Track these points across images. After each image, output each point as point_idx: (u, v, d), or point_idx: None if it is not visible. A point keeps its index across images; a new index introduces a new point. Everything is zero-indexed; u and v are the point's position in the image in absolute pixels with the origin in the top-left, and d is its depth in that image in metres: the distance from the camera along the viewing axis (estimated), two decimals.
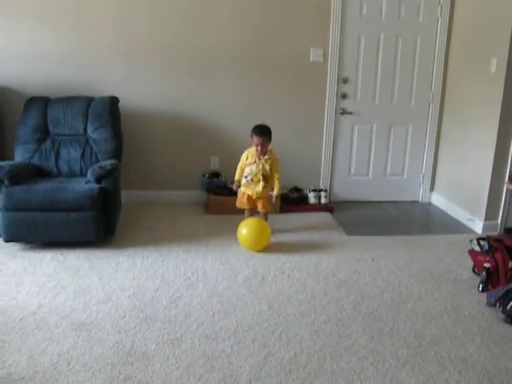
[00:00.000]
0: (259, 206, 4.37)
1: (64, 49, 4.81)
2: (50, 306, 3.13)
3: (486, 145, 4.55)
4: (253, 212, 4.42)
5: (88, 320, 2.99)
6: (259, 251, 4.03)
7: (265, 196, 4.35)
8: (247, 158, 4.29)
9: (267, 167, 4.25)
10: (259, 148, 4.20)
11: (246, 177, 4.30)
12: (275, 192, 4.34)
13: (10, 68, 4.76)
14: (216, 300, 3.28)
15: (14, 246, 4.01)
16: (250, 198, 4.35)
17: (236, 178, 4.38)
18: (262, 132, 4.22)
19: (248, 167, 4.29)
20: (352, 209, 5.29)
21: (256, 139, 4.20)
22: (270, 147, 4.28)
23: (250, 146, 4.31)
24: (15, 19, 4.70)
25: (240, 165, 4.35)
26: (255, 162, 4.26)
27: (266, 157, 4.24)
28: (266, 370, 2.58)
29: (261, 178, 4.26)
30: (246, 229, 4.06)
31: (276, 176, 4.29)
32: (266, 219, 4.39)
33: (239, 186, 4.38)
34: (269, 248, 4.09)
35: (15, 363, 2.57)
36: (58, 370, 2.53)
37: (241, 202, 4.41)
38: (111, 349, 2.71)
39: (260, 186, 4.27)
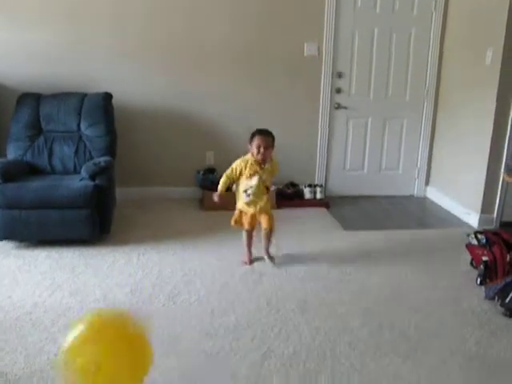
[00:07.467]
0: (264, 221, 3.65)
1: (58, 45, 4.76)
2: (45, 305, 3.09)
3: (482, 137, 4.53)
4: (252, 231, 3.73)
5: None
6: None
7: (269, 210, 3.68)
8: (245, 168, 3.52)
9: (269, 176, 3.61)
10: (262, 151, 3.46)
11: (245, 191, 3.55)
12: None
13: (2, 64, 4.69)
14: (214, 297, 3.25)
15: (7, 245, 3.97)
16: (253, 215, 3.65)
17: (220, 188, 3.58)
18: (265, 132, 3.55)
19: (247, 180, 3.54)
20: (348, 204, 5.28)
21: (259, 139, 3.47)
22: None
23: (246, 150, 3.62)
24: (10, 15, 4.64)
25: (228, 173, 3.57)
26: (256, 172, 3.54)
27: (268, 165, 3.58)
28: (265, 366, 2.56)
29: (264, 190, 3.58)
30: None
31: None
32: (270, 238, 3.74)
33: (221, 200, 3.59)
34: None
35: (11, 363, 2.53)
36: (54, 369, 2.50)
37: (240, 221, 3.67)
38: None
39: (264, 199, 3.59)
